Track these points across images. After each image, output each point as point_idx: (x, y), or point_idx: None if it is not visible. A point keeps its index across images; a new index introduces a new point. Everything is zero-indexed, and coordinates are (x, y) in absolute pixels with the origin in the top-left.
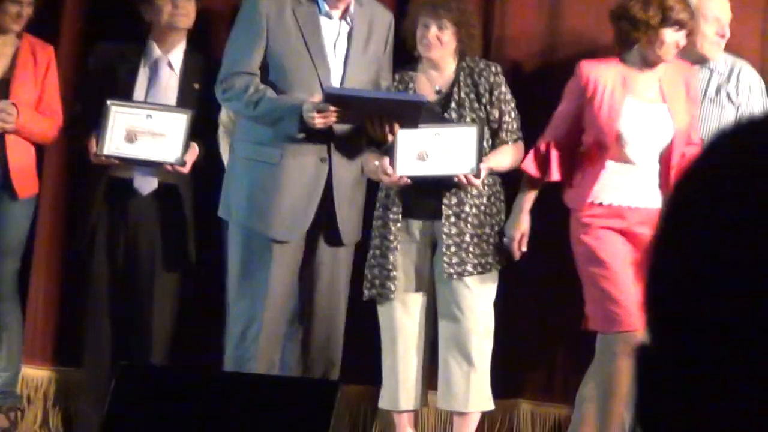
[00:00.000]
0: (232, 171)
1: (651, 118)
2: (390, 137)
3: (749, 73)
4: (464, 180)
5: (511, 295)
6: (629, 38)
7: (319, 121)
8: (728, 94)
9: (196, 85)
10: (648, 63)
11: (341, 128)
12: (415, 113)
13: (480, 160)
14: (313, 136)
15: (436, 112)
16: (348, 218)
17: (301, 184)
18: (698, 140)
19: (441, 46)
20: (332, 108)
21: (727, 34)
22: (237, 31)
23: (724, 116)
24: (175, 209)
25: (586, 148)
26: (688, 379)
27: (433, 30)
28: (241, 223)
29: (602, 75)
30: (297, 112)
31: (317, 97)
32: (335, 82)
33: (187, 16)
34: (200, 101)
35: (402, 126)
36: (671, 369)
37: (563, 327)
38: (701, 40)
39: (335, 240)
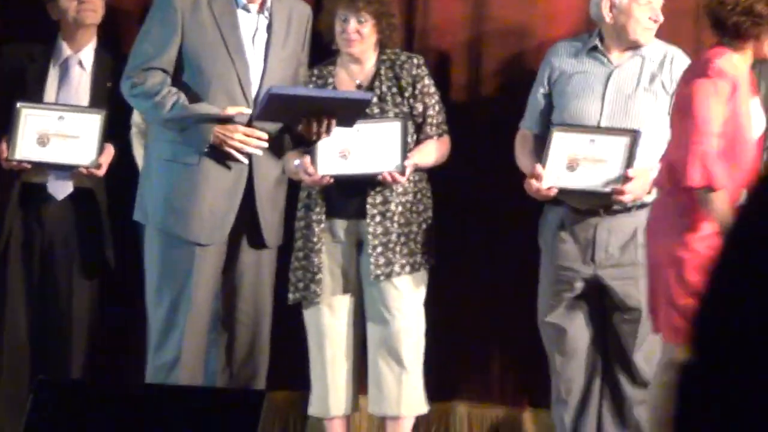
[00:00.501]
0: (148, 172)
1: (758, 116)
2: (324, 136)
3: (682, 60)
4: (389, 178)
5: (442, 295)
6: (747, 33)
7: (234, 144)
8: (662, 83)
9: (109, 84)
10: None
11: (262, 126)
12: (356, 112)
13: (405, 156)
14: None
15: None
16: (270, 219)
17: (221, 185)
18: None
19: (362, 40)
20: (257, 134)
21: (660, 19)
22: (149, 23)
23: (659, 105)
24: (91, 214)
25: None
26: (731, 398)
27: (353, 24)
28: (159, 227)
29: (739, 74)
30: (207, 125)
31: (230, 110)
32: (254, 77)
33: (94, 11)
34: (113, 100)
35: (338, 124)
36: (717, 387)
37: (498, 325)
38: (634, 24)
39: (258, 242)
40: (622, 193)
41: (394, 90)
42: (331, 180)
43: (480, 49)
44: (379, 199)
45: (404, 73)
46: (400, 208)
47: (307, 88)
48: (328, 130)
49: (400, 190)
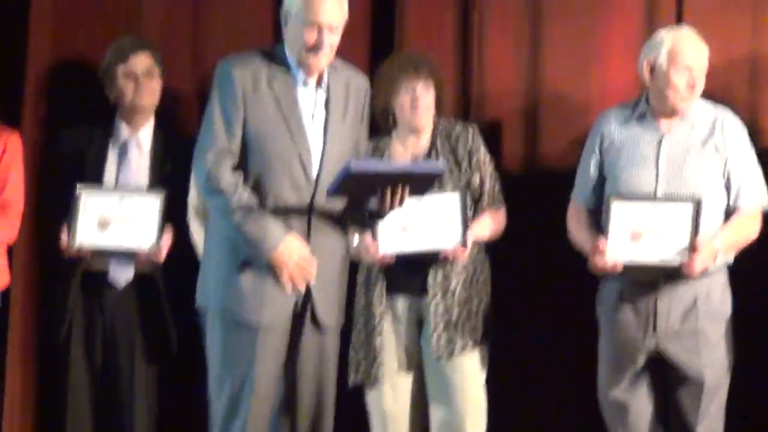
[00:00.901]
0: (209, 252)
1: None
2: (397, 208)
3: (732, 123)
4: (451, 255)
5: (501, 369)
6: None
7: (288, 274)
8: (715, 147)
9: (167, 165)
10: None
11: (323, 206)
12: (429, 183)
13: (466, 229)
14: (294, 214)
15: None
16: (332, 300)
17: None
18: None
19: (428, 108)
20: (308, 266)
21: (698, 86)
22: (214, 103)
23: (713, 170)
24: (152, 300)
25: None
26: None
27: (420, 92)
28: (221, 309)
29: None
30: (269, 252)
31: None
32: (315, 154)
33: (151, 94)
34: (172, 182)
35: (412, 195)
36: None
37: (557, 401)
38: (671, 92)
39: (320, 324)
40: (691, 264)
41: (451, 161)
42: (393, 258)
43: (535, 117)
44: (440, 275)
45: (460, 145)
46: (460, 284)
47: (383, 161)
48: (401, 202)
49: (460, 265)
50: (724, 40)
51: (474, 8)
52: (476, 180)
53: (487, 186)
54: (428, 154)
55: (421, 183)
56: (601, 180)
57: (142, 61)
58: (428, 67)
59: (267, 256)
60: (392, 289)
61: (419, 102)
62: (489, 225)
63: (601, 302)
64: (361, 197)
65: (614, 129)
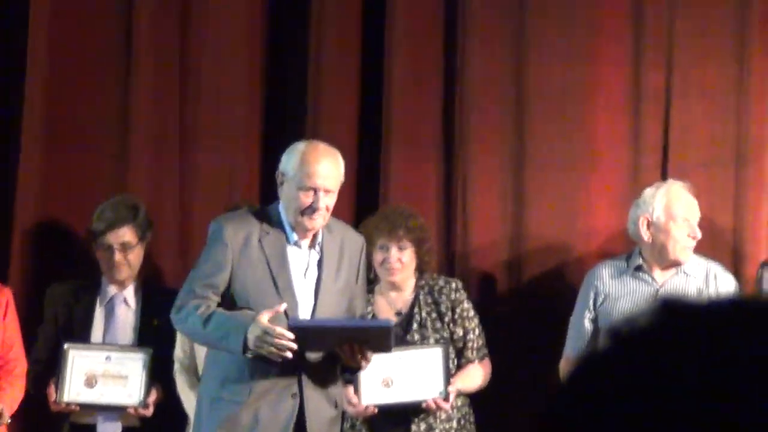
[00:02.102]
0: (200, 412)
1: None
2: (364, 364)
3: (724, 276)
4: (433, 405)
5: None
6: None
7: (268, 349)
8: (710, 298)
9: (155, 321)
10: None
11: (313, 358)
12: (384, 339)
13: (448, 382)
14: (284, 370)
15: (398, 335)
16: None
17: (271, 422)
18: None
19: (403, 267)
20: (287, 335)
21: (698, 236)
22: (202, 259)
23: None
24: None
25: None
26: None
27: (394, 252)
28: None
29: None
30: (243, 330)
31: (266, 316)
32: (306, 313)
33: (128, 267)
34: (160, 338)
35: (375, 351)
36: None
37: None
38: (672, 244)
39: None
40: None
41: (434, 315)
42: (375, 410)
43: (520, 269)
44: (423, 426)
45: (443, 298)
46: None
47: (324, 319)
48: (365, 358)
49: (444, 416)
50: (709, 194)
51: (457, 162)
52: (459, 332)
53: (471, 339)
54: (411, 309)
55: (376, 339)
56: (595, 333)
57: (120, 236)
58: (404, 227)
59: (239, 339)
60: None
61: (391, 261)
62: (473, 377)
63: None
64: (326, 351)
65: (607, 283)
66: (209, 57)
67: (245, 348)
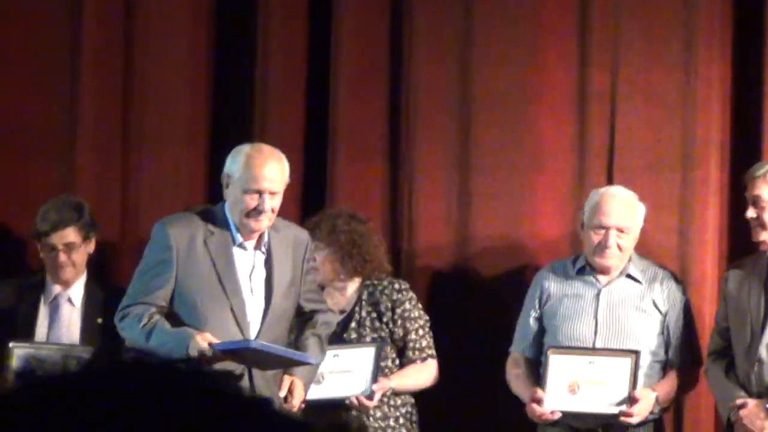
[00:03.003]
0: None
1: None
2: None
3: (671, 280)
4: (356, 402)
5: None
6: None
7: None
8: (654, 302)
9: (99, 320)
10: None
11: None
12: (265, 356)
13: (374, 380)
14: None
15: (335, 334)
16: None
17: None
18: None
19: (325, 270)
20: (208, 352)
21: (611, 248)
22: (145, 261)
23: (651, 325)
24: None
25: None
26: None
27: (318, 255)
28: None
29: None
30: (183, 348)
31: (199, 337)
32: (256, 314)
33: (73, 267)
34: (104, 335)
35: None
36: None
37: None
38: (588, 248)
39: None
40: (630, 415)
41: (374, 315)
42: (302, 405)
43: (466, 270)
44: (355, 424)
45: (384, 298)
46: None
47: (283, 349)
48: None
49: (379, 415)
50: (654, 197)
51: (403, 164)
52: (400, 332)
53: (412, 339)
54: (353, 308)
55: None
56: (541, 332)
57: (64, 236)
58: (317, 228)
59: (182, 352)
60: None
61: (318, 262)
62: (411, 377)
63: None
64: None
65: (553, 283)
66: (154, 58)
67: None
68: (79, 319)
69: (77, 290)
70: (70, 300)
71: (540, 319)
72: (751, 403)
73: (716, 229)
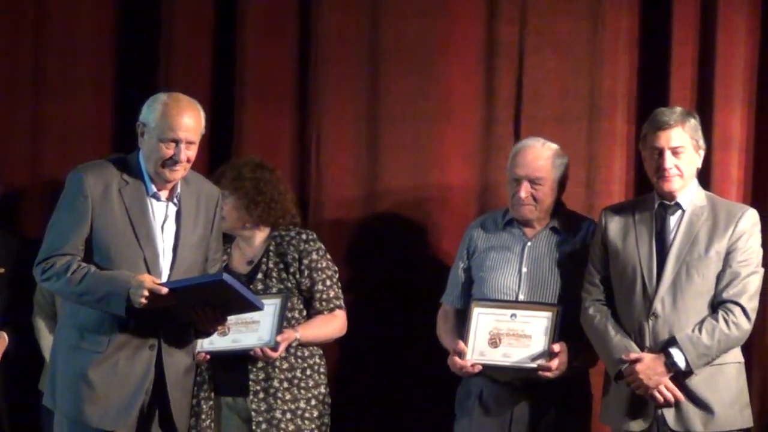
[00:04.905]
0: (55, 359)
1: None
2: (220, 329)
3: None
4: (260, 353)
5: None
6: None
7: (144, 302)
8: (576, 254)
9: (1, 270)
10: None
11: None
12: (227, 293)
13: (279, 331)
14: (142, 322)
15: (243, 284)
16: (180, 404)
17: (129, 372)
18: None
19: (230, 218)
20: (163, 291)
21: (521, 195)
22: (60, 211)
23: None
24: None
25: None
26: None
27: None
28: (67, 414)
29: None
30: (124, 288)
31: (145, 276)
32: (165, 265)
33: None
34: (8, 285)
35: (232, 312)
36: None
37: None
38: (509, 201)
39: (169, 427)
40: (548, 369)
41: (281, 266)
42: (207, 356)
43: (374, 220)
44: (261, 375)
45: (291, 249)
46: (285, 384)
47: (246, 289)
48: (218, 321)
49: (285, 366)
50: (562, 148)
51: (312, 114)
52: (306, 283)
53: (319, 289)
54: (260, 259)
55: (219, 295)
56: (469, 284)
57: None
58: (231, 177)
59: (122, 296)
60: (218, 389)
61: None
62: (318, 328)
63: (458, 402)
64: (179, 309)
65: (482, 235)
66: (62, 4)
67: (129, 309)
68: None
69: None
70: None
71: (468, 270)
72: (648, 357)
73: (623, 180)
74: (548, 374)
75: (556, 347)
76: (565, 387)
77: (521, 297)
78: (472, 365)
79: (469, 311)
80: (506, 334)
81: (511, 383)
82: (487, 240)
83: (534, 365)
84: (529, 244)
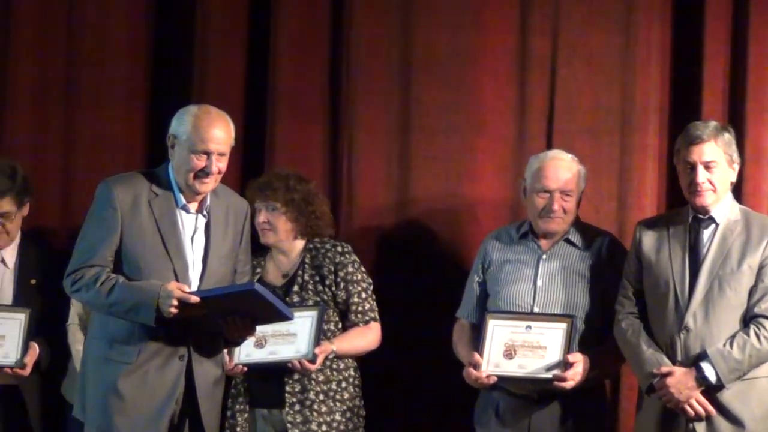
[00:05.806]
0: (85, 371)
1: None
2: (254, 339)
3: (615, 245)
4: (298, 366)
5: None
6: None
7: (173, 311)
8: (594, 268)
9: (33, 281)
10: None
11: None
12: (257, 302)
13: (317, 344)
14: (171, 332)
15: (279, 297)
16: (210, 415)
17: (158, 383)
18: None
19: (272, 229)
20: (193, 300)
21: (556, 210)
22: (89, 223)
23: (591, 291)
24: (18, 412)
25: None
26: None
27: (263, 214)
28: (97, 425)
29: None
30: (153, 298)
31: (174, 284)
32: (194, 277)
33: (5, 233)
34: (39, 297)
35: (261, 321)
36: None
37: None
38: (533, 213)
39: None
40: (564, 379)
41: (317, 278)
42: (245, 368)
43: (406, 232)
44: (297, 387)
45: (326, 261)
46: (321, 396)
47: (276, 298)
48: (247, 332)
49: (321, 378)
50: (594, 161)
51: (343, 125)
52: (342, 296)
53: (354, 302)
54: (295, 271)
55: (250, 305)
56: (485, 297)
57: None
58: (270, 188)
59: (151, 306)
60: (254, 401)
61: (260, 223)
62: (354, 340)
63: (476, 415)
64: (208, 318)
65: (497, 248)
66: (94, 17)
67: (158, 319)
68: (11, 279)
69: (10, 251)
70: (3, 261)
71: (484, 284)
72: (679, 371)
73: (654, 194)
74: (564, 384)
75: (571, 357)
76: (582, 398)
77: (536, 310)
78: (487, 376)
79: (484, 323)
80: (521, 345)
81: (528, 396)
82: (502, 253)
83: (549, 375)
84: (543, 257)
